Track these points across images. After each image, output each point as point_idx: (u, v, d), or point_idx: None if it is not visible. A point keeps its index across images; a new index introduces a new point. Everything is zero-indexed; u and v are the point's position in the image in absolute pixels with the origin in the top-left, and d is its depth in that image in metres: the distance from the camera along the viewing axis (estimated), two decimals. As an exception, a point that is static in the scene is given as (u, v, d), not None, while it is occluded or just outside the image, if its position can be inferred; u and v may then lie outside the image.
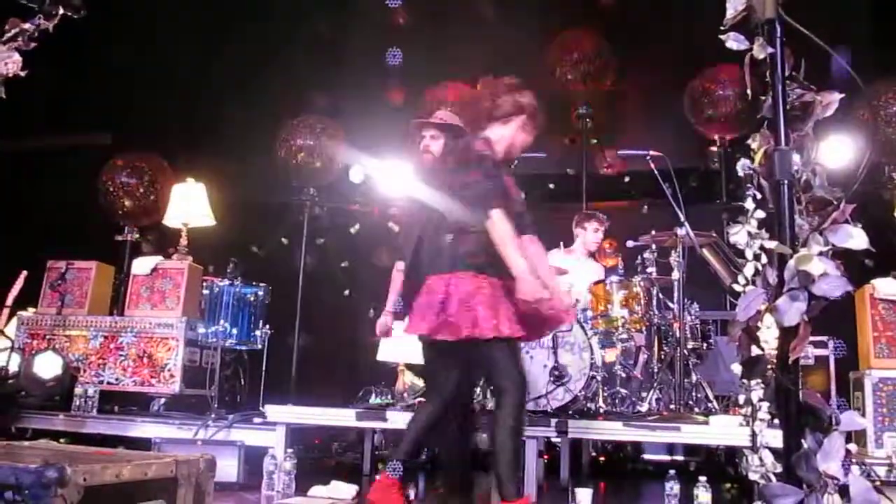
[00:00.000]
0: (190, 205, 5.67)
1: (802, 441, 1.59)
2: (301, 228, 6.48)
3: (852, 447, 4.12)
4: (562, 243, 6.00)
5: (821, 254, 1.59)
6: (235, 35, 6.82)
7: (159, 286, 5.41)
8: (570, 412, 4.48)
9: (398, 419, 4.44)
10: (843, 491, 1.59)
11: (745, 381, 1.96)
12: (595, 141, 7.00)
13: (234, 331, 5.42)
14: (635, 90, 7.05)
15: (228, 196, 6.13)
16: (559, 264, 5.68)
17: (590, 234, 5.74)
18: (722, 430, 3.97)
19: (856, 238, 1.63)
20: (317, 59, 7.08)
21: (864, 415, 4.42)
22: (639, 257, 5.18)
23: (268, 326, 5.56)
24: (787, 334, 1.59)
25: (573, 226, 5.92)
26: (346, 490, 4.22)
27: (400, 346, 5.57)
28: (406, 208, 4.10)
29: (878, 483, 3.62)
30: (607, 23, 6.93)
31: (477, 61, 6.76)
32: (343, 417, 4.55)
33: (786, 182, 1.64)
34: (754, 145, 1.75)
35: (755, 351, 1.66)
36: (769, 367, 1.63)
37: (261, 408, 4.80)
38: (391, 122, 6.94)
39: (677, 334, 4.92)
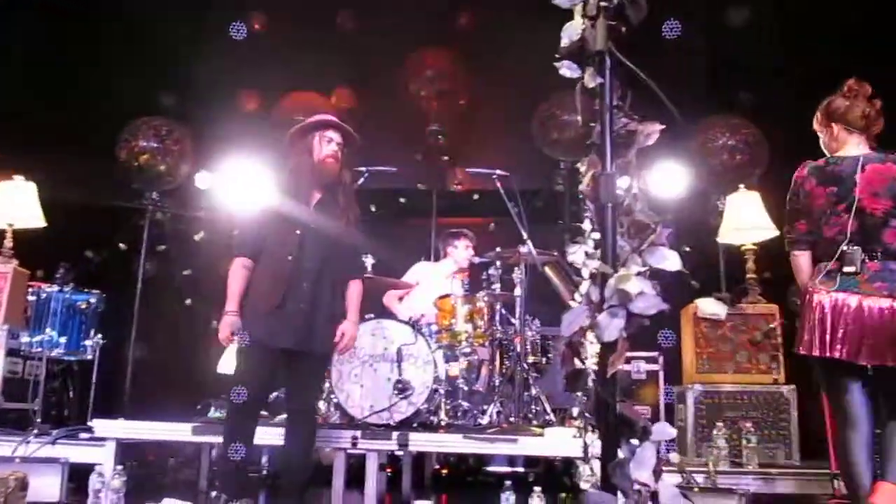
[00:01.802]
0: (17, 204, 5.29)
1: (619, 450, 1.68)
2: (141, 234, 6.20)
3: (675, 456, 4.39)
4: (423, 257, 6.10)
5: (639, 274, 1.70)
6: (80, 28, 6.46)
7: (-22, 290, 5.01)
8: (413, 425, 4.52)
9: (236, 433, 4.33)
10: (655, 497, 1.68)
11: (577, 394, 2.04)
12: (447, 158, 7.14)
13: (63, 340, 5.12)
14: (488, 110, 7.24)
15: (63, 197, 5.77)
16: (427, 275, 5.75)
17: (461, 251, 5.84)
18: (556, 442, 4.13)
19: (670, 260, 1.74)
20: (165, 59, 6.82)
21: (685, 426, 4.73)
22: (484, 273, 5.31)
23: (100, 336, 5.27)
24: (607, 349, 1.68)
25: (441, 245, 6.02)
26: (179, 507, 4.06)
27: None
28: (266, 208, 3.81)
29: (695, 489, 3.88)
30: (463, 43, 7.09)
31: (332, 72, 6.75)
32: (178, 432, 4.39)
33: (610, 205, 1.74)
34: (583, 169, 1.84)
35: (578, 365, 1.74)
36: (590, 380, 1.72)
37: (89, 422, 4.55)
38: (242, 129, 6.80)
39: (518, 349, 5.07)
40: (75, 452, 4.37)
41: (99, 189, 6.35)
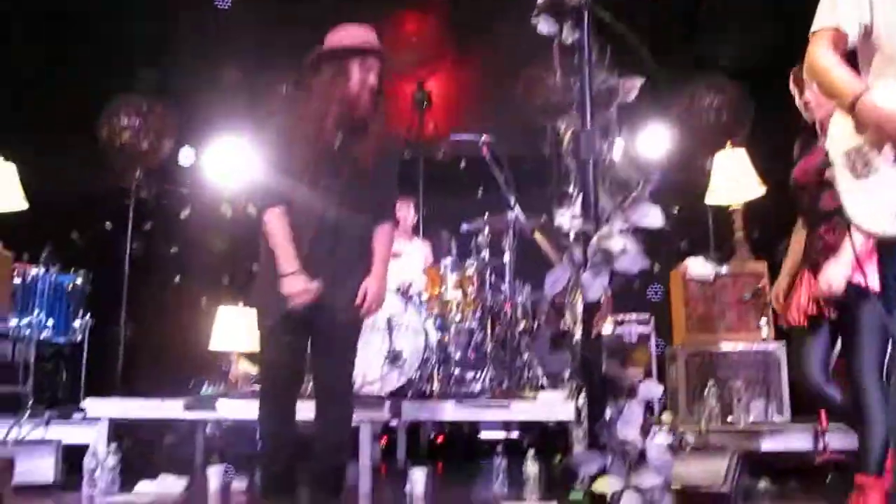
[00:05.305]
0: (-3, 186, 5.23)
1: (606, 410, 1.67)
2: (126, 213, 6.14)
3: (666, 416, 4.41)
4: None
5: (622, 231, 1.67)
6: (54, 6, 6.35)
7: (-37, 275, 4.96)
8: (406, 394, 4.51)
9: (230, 409, 4.33)
10: (643, 456, 1.68)
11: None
12: (432, 125, 7.07)
13: (50, 322, 5.07)
14: (473, 75, 7.17)
15: (44, 178, 5.70)
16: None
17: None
18: (549, 406, 4.14)
19: (652, 216, 1.72)
20: (143, 34, 6.72)
21: (676, 386, 4.75)
22: (473, 240, 5.28)
23: (89, 316, 5.24)
24: (591, 308, 1.66)
25: None
26: (175, 484, 4.07)
27: (234, 332, 5.43)
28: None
29: (687, 448, 3.91)
30: (446, 7, 7.00)
31: (311, 42, 6.64)
32: (170, 409, 4.36)
33: (590, 162, 1.71)
34: (563, 127, 1.81)
35: (562, 325, 1.73)
36: (575, 340, 1.70)
37: (81, 403, 4.54)
38: (223, 104, 6.72)
39: (509, 315, 5.06)
40: (68, 433, 4.35)
41: (81, 169, 6.29)
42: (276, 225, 3.02)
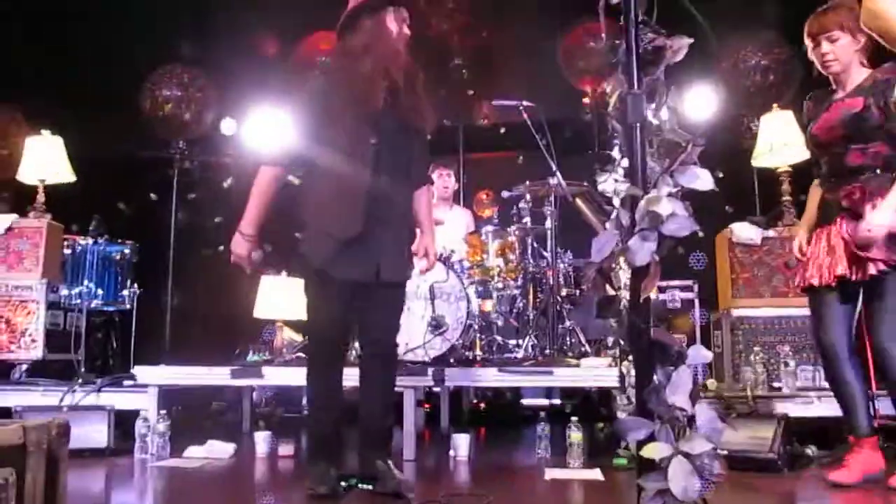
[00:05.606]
0: (46, 159, 5.32)
1: (654, 376, 1.65)
2: (171, 183, 6.21)
3: (712, 383, 4.36)
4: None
5: (670, 195, 1.64)
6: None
7: (15, 247, 5.08)
8: (449, 361, 4.54)
9: (275, 376, 4.40)
10: (691, 422, 1.66)
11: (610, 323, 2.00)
12: (471, 92, 7.02)
13: (100, 291, 5.20)
14: (512, 41, 7.08)
15: (90, 150, 5.79)
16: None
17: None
18: (592, 372, 4.11)
19: (702, 179, 1.68)
20: (184, 4, 6.74)
21: (722, 352, 4.70)
22: (514, 207, 5.26)
23: (136, 285, 5.34)
24: (639, 274, 1.64)
25: None
26: (223, 449, 4.16)
27: (278, 301, 5.49)
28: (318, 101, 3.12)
29: (734, 414, 3.87)
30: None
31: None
32: (217, 376, 4.44)
33: (637, 125, 1.68)
34: (609, 90, 1.77)
35: (609, 291, 1.71)
36: (622, 306, 1.68)
37: (132, 370, 4.64)
38: (263, 74, 6.73)
39: (551, 282, 5.05)
40: (120, 399, 4.45)
41: (126, 140, 6.36)
42: (263, 184, 3.14)
